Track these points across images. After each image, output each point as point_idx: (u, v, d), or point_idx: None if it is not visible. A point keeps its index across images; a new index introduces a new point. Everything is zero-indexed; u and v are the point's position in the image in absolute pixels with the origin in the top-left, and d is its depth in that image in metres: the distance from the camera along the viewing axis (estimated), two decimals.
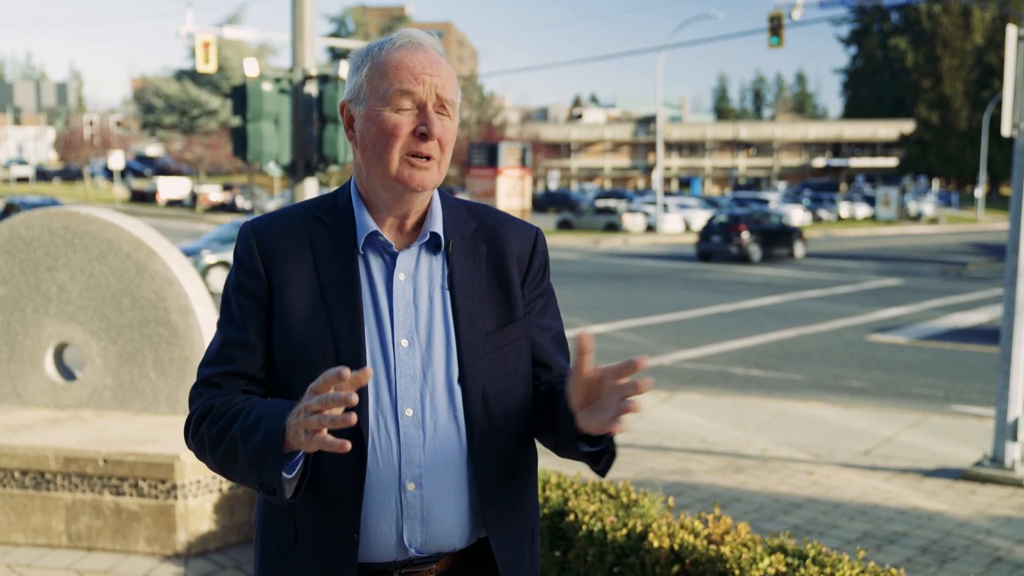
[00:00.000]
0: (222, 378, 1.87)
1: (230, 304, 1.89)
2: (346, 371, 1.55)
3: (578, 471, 4.14)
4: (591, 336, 1.67)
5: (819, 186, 72.11)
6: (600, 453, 1.82)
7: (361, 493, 1.79)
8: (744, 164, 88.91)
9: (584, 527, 3.58)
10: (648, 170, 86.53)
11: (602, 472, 1.85)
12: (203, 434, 1.80)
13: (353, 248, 1.86)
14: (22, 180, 72.84)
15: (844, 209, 53.27)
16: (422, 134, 1.78)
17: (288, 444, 1.66)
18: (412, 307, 1.85)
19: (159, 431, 5.12)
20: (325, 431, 1.59)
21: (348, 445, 1.59)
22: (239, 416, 1.75)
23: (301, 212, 1.92)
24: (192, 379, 5.31)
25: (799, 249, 29.12)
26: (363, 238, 1.85)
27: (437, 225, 1.89)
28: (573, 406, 1.74)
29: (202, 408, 1.84)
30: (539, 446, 2.03)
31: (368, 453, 1.80)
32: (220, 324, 1.91)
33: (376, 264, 1.87)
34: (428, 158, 1.80)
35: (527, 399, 1.95)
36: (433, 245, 1.89)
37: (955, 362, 11.78)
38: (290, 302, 1.84)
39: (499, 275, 1.92)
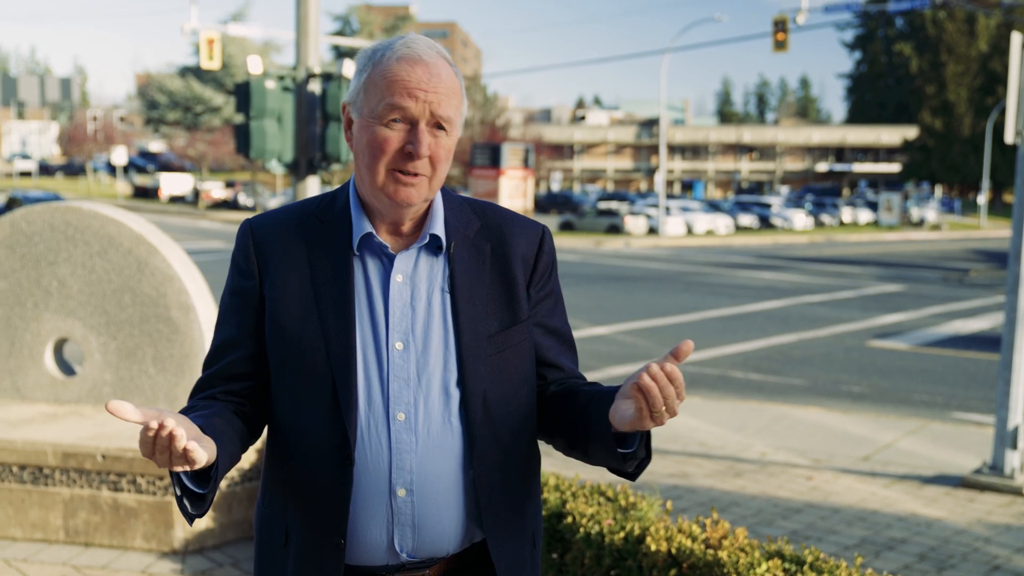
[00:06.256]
0: (215, 379, 1.88)
1: (225, 304, 1.90)
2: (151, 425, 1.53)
3: (576, 472, 4.12)
4: (691, 344, 1.60)
5: (822, 191, 72.14)
6: (632, 455, 1.78)
7: (348, 497, 1.77)
8: (747, 168, 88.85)
9: (582, 530, 3.57)
10: (651, 173, 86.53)
11: (633, 476, 1.83)
12: None
13: (348, 249, 1.83)
14: (25, 175, 72.99)
15: (847, 214, 53.24)
16: (408, 153, 1.75)
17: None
18: (409, 309, 1.81)
19: None
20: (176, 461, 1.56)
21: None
22: None
23: (300, 211, 1.90)
24: (192, 376, 5.31)
25: None
26: (358, 239, 1.82)
27: (438, 226, 1.85)
28: (624, 398, 1.68)
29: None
30: (541, 446, 2.00)
31: (357, 457, 1.77)
32: (217, 324, 1.92)
33: (373, 265, 1.83)
34: (416, 175, 1.76)
35: (530, 402, 1.91)
36: (434, 246, 1.85)
37: (956, 369, 11.76)
38: (284, 301, 1.82)
39: (503, 276, 1.88)
